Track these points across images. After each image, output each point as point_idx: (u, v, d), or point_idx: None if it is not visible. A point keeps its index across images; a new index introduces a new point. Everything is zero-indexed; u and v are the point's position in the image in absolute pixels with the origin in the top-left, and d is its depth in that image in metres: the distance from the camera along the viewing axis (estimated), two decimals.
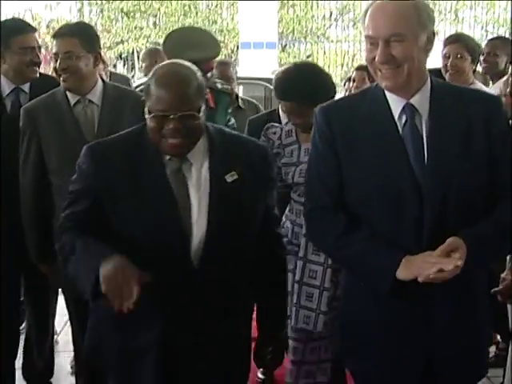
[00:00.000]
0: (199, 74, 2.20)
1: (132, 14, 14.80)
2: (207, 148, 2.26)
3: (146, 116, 2.15)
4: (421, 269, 2.01)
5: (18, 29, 3.36)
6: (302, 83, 2.92)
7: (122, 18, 14.52)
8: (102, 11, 15.08)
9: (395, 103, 2.17)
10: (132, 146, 2.24)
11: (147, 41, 14.57)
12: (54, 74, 3.15)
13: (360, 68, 4.95)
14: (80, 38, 3.05)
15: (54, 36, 3.12)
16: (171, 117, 2.09)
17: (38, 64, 3.38)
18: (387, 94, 2.18)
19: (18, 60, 3.31)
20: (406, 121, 2.15)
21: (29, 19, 14.47)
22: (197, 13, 14.87)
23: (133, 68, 15.29)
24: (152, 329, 2.21)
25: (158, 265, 2.12)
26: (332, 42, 15.93)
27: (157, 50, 5.66)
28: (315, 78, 2.98)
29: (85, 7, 14.70)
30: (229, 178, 2.21)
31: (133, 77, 11.48)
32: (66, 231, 2.25)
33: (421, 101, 2.16)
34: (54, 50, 3.07)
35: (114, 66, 14.68)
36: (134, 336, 2.23)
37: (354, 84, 4.91)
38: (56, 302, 3.70)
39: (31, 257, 3.16)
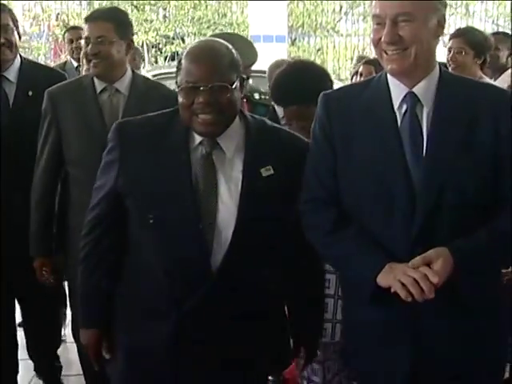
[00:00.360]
0: (234, 50, 2.09)
1: (142, 6, 14.77)
2: (243, 137, 2.12)
3: (177, 91, 2.04)
4: (396, 279, 1.89)
5: None
6: (302, 83, 2.74)
7: (132, 10, 14.48)
8: (111, 4, 15.06)
9: (397, 91, 2.04)
10: (160, 129, 2.12)
11: (157, 34, 14.54)
12: (84, 60, 3.07)
13: (367, 62, 4.95)
14: (114, 23, 2.95)
15: (87, 20, 3.01)
16: (201, 88, 1.97)
17: (7, 45, 3.19)
18: (390, 81, 2.05)
19: None
20: (405, 111, 2.03)
21: (39, 11, 14.50)
22: (206, 6, 14.83)
23: (142, 60, 15.29)
24: (164, 328, 2.10)
25: (174, 261, 2.05)
26: (342, 35, 15.85)
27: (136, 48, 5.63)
28: (313, 74, 2.82)
29: (95, 0, 14.67)
30: (264, 173, 2.08)
31: (143, 68, 11.50)
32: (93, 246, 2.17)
33: (425, 90, 2.02)
34: (85, 34, 2.96)
35: None
36: (145, 336, 2.13)
37: (361, 78, 4.89)
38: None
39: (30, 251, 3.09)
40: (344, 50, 15.64)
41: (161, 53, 14.79)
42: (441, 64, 2.14)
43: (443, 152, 1.98)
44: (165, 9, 15.36)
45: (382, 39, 1.96)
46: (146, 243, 2.10)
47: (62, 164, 3.04)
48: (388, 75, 2.07)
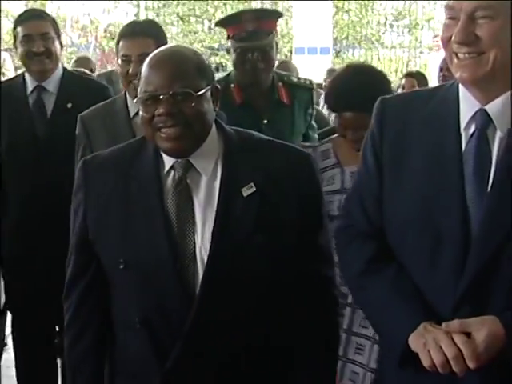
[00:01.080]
0: (200, 55, 1.82)
1: (187, 18, 14.92)
2: (222, 154, 1.79)
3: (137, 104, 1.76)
4: (425, 348, 1.54)
5: (23, 17, 3.20)
6: (359, 86, 2.44)
7: (178, 22, 14.65)
8: (157, 15, 15.24)
9: (467, 107, 1.65)
10: (129, 158, 1.83)
11: (202, 45, 14.67)
12: (123, 80, 2.80)
13: (408, 75, 4.87)
14: (154, 37, 2.71)
15: (123, 35, 2.75)
16: (161, 97, 1.68)
17: (45, 55, 3.11)
18: (461, 93, 1.66)
19: (21, 51, 3.13)
20: (473, 132, 1.63)
21: (87, 23, 14.75)
22: None
23: None
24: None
25: (149, 309, 1.76)
26: (386, 47, 15.81)
27: None
28: (372, 77, 2.54)
29: (141, 11, 14.87)
30: (245, 192, 1.74)
31: None
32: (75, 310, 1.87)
33: (501, 109, 1.60)
34: (122, 52, 2.70)
35: None
36: None
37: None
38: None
39: None
40: (389, 62, 15.58)
41: None
42: None
43: None
44: (210, 20, 15.48)
45: (453, 38, 1.56)
46: (119, 292, 1.83)
47: None
48: (460, 85, 1.68)
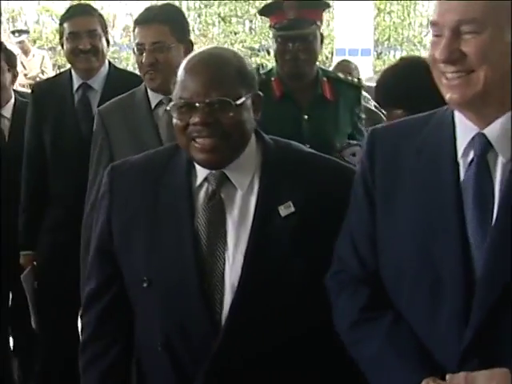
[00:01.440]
0: (242, 59, 1.67)
1: (228, 19, 14.95)
2: (259, 168, 1.66)
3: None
4: None
5: (70, 13, 3.11)
6: (410, 81, 2.23)
7: (219, 22, 14.69)
8: (199, 16, 15.30)
9: (463, 132, 1.48)
10: (159, 168, 1.71)
11: (243, 46, 14.68)
12: (139, 70, 2.69)
13: None
14: (170, 24, 2.55)
15: (138, 22, 2.60)
16: (197, 105, 1.56)
17: (92, 52, 3.04)
18: (457, 118, 1.50)
19: (67, 48, 3.06)
20: (472, 159, 1.46)
21: (129, 23, 14.86)
22: None
23: None
24: None
25: (172, 333, 1.64)
26: (428, 49, 15.67)
27: None
28: (424, 72, 2.04)
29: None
30: (283, 211, 1.61)
31: None
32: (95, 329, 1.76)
33: (502, 133, 1.42)
34: (137, 40, 2.56)
35: None
36: None
37: None
38: None
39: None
40: None
41: None
42: None
43: None
44: (251, 21, 15.49)
45: (437, 56, 1.43)
46: (141, 312, 1.72)
47: None
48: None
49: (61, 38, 3.14)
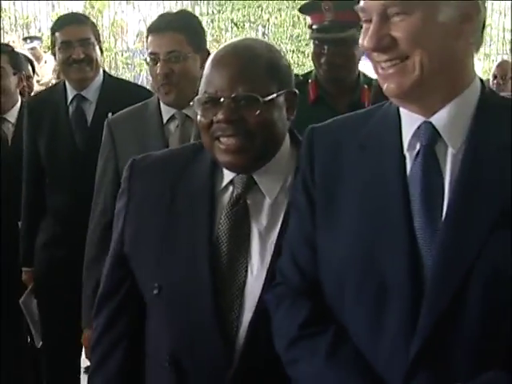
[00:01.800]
0: (277, 52, 1.54)
1: (241, 24, 14.95)
2: (293, 173, 1.53)
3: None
4: None
5: (61, 22, 3.03)
6: None
7: (232, 28, 14.69)
8: (212, 21, 15.31)
9: (409, 123, 1.36)
10: (181, 166, 1.58)
11: None
12: (152, 81, 2.56)
13: (500, 64, 4.80)
14: (186, 32, 2.42)
15: (151, 30, 2.44)
16: (221, 100, 1.44)
17: (85, 62, 2.98)
18: (402, 109, 1.39)
19: (59, 58, 3.00)
20: (418, 152, 1.35)
21: (142, 28, 14.90)
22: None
23: None
24: None
25: (181, 348, 1.53)
26: None
27: None
28: None
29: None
30: None
31: None
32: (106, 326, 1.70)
33: (450, 121, 1.30)
34: (150, 49, 2.40)
35: None
36: None
37: (496, 81, 4.62)
38: None
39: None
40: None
41: None
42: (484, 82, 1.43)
43: (474, 217, 1.24)
44: (264, 26, 15.48)
45: (365, 44, 1.30)
46: (150, 320, 1.63)
47: None
48: None
49: (53, 47, 3.08)
